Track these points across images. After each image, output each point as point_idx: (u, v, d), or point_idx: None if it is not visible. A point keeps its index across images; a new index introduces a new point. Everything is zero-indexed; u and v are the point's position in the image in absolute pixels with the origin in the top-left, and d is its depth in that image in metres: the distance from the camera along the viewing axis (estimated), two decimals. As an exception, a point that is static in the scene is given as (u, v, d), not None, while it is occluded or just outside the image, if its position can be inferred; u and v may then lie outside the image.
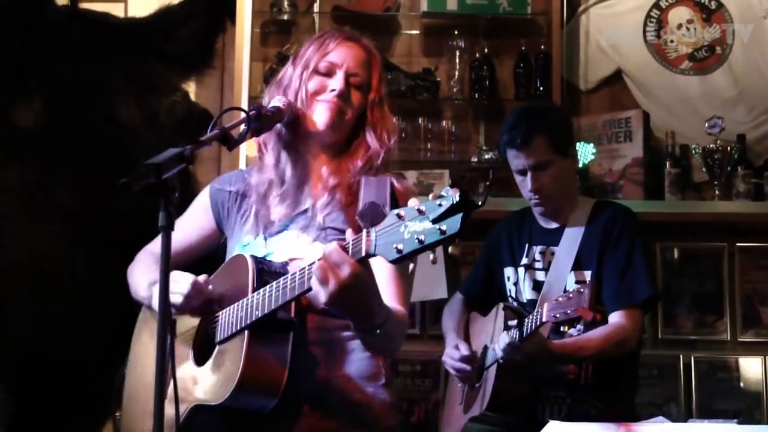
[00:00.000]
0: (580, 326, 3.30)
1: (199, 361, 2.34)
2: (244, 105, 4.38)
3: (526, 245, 3.54)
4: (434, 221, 1.78)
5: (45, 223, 4.15)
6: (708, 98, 4.67)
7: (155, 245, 2.60)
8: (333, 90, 2.43)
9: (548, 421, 2.68)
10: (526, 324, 3.16)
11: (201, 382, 2.29)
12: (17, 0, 4.24)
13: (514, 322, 3.23)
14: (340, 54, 2.48)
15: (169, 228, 1.92)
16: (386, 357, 2.39)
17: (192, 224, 2.62)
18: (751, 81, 4.68)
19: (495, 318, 3.47)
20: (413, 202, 1.84)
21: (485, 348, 3.47)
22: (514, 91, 4.69)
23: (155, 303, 2.36)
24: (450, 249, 1.80)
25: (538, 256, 3.49)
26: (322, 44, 2.49)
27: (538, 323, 3.09)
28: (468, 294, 3.79)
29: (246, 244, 2.43)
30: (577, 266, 3.38)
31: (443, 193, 1.80)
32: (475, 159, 4.66)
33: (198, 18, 4.49)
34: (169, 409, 2.03)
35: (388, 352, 2.34)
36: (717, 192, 4.50)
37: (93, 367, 4.17)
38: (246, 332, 2.19)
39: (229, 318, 2.26)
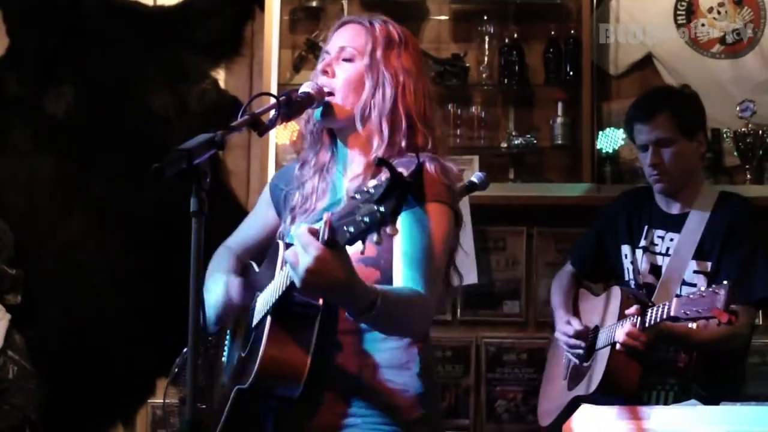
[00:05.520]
0: None
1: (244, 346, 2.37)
2: (274, 92, 4.37)
3: (646, 227, 3.52)
4: (376, 202, 1.75)
5: (79, 212, 4.19)
6: (739, 82, 4.63)
7: (231, 239, 2.68)
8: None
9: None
10: (649, 314, 3.11)
11: (240, 368, 2.32)
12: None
13: (632, 310, 3.18)
14: (333, 40, 2.46)
15: (201, 214, 1.93)
16: (413, 339, 2.32)
17: (258, 218, 2.66)
18: (783, 64, 4.65)
19: (608, 300, 3.46)
20: (371, 183, 1.80)
21: (596, 328, 3.45)
22: (544, 76, 4.67)
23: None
24: (388, 230, 1.76)
25: (657, 240, 3.48)
26: (327, 40, 2.50)
27: (664, 316, 3.04)
28: (579, 266, 3.77)
29: (292, 233, 2.43)
30: (699, 255, 3.36)
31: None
32: (504, 144, 4.66)
33: (227, 5, 4.50)
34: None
35: (401, 334, 2.26)
36: (749, 176, 4.47)
37: (125, 355, 4.20)
38: (269, 316, 2.19)
39: (261, 303, 2.28)
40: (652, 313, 3.11)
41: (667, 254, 3.43)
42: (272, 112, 2.25)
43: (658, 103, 3.51)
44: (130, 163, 3.92)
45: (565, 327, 3.52)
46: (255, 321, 2.30)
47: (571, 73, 4.60)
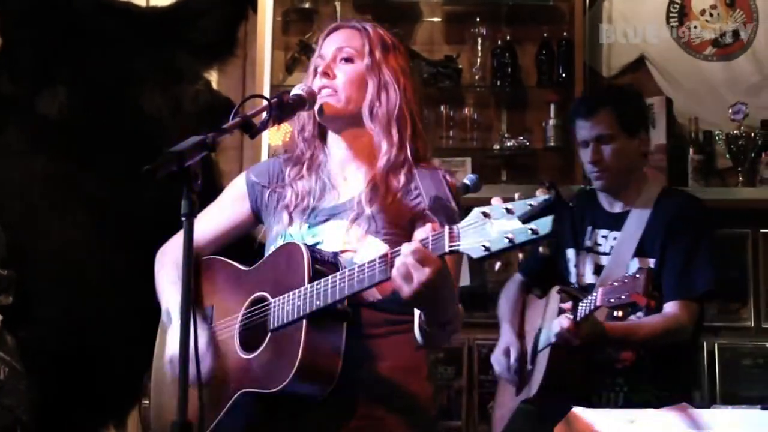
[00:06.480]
0: (640, 313, 3.27)
1: (246, 348, 2.34)
2: (266, 93, 4.38)
3: (590, 228, 3.50)
4: (524, 221, 1.80)
5: (73, 212, 4.17)
6: (732, 84, 4.65)
7: (177, 240, 2.56)
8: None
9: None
10: (580, 308, 3.12)
11: (251, 369, 2.29)
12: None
13: (567, 305, 3.19)
14: (327, 44, 2.45)
15: (191, 215, 1.93)
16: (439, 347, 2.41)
17: (226, 211, 2.59)
18: (775, 67, 4.66)
19: (548, 301, 3.46)
20: (497, 201, 1.86)
21: (539, 331, 3.45)
22: (537, 78, 4.68)
23: (171, 314, 2.42)
24: (541, 249, 1.82)
25: (600, 240, 3.46)
26: (318, 47, 2.49)
27: (592, 307, 3.06)
28: (528, 274, 3.75)
29: (291, 233, 2.41)
30: (641, 252, 3.34)
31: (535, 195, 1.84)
32: (497, 146, 4.66)
33: (220, 6, 4.50)
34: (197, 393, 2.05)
35: (443, 345, 2.36)
36: (741, 178, 4.49)
37: (121, 356, 4.20)
38: (304, 321, 2.19)
39: (283, 306, 2.25)
40: (581, 307, 3.12)
41: (609, 254, 3.42)
42: (264, 114, 2.25)
43: (600, 99, 3.52)
44: (126, 164, 3.91)
45: (501, 357, 3.49)
46: (274, 324, 2.27)
47: (564, 74, 4.61)
